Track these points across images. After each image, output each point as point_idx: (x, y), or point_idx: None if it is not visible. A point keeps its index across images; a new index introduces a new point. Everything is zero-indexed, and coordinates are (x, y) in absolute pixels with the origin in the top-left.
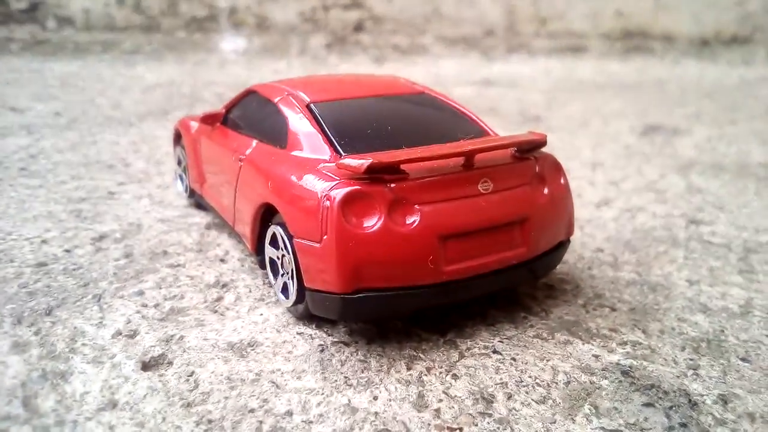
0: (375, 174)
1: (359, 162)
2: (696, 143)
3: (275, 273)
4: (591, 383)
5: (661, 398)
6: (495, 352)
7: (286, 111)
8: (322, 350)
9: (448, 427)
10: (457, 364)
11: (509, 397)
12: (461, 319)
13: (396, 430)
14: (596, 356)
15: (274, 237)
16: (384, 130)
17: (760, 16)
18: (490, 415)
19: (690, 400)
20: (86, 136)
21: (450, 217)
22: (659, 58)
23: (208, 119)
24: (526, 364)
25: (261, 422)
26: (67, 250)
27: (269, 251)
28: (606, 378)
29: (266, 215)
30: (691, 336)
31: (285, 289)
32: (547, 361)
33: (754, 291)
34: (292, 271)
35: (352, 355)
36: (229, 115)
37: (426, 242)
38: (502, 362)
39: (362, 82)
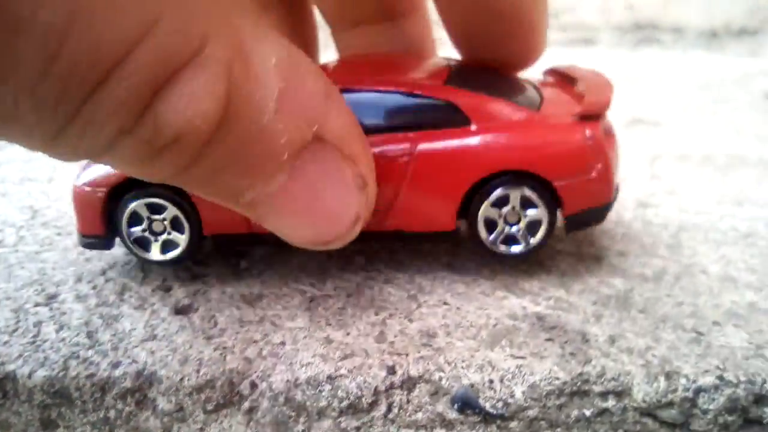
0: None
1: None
2: (672, 135)
3: (491, 230)
4: (513, 326)
5: (560, 336)
6: (445, 303)
7: None
8: (311, 300)
9: (397, 353)
10: (414, 312)
11: (448, 334)
12: (425, 281)
13: (359, 353)
14: (524, 307)
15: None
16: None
17: None
18: (431, 345)
19: (584, 338)
20: None
21: None
22: (669, 49)
23: None
24: (468, 312)
25: (261, 349)
26: None
27: (488, 211)
28: (525, 322)
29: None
30: (605, 294)
31: (509, 241)
32: (485, 310)
33: (672, 262)
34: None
35: (333, 305)
36: None
37: None
38: (449, 310)
39: None
